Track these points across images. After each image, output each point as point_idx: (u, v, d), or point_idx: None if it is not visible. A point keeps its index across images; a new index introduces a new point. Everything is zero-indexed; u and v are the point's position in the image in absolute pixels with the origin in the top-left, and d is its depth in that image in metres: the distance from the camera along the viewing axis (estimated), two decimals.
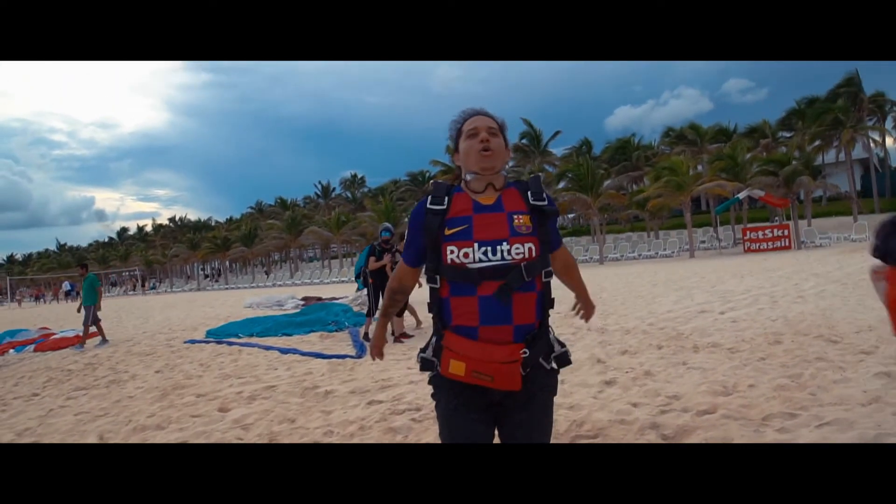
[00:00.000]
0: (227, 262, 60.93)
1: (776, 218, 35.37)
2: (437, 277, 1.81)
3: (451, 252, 1.79)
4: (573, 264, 2.15)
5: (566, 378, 5.17)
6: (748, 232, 29.74)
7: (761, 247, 28.25)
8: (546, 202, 1.87)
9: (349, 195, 68.25)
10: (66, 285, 51.31)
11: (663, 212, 37.19)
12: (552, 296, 1.87)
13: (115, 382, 7.33)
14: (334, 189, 71.67)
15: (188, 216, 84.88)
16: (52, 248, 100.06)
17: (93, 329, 11.76)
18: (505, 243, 1.77)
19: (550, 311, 1.87)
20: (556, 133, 49.48)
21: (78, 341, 12.04)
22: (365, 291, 10.83)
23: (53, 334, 13.44)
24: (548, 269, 1.83)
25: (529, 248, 1.79)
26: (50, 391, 7.38)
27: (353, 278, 14.10)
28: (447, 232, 1.82)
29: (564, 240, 45.82)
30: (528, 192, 1.88)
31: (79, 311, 11.92)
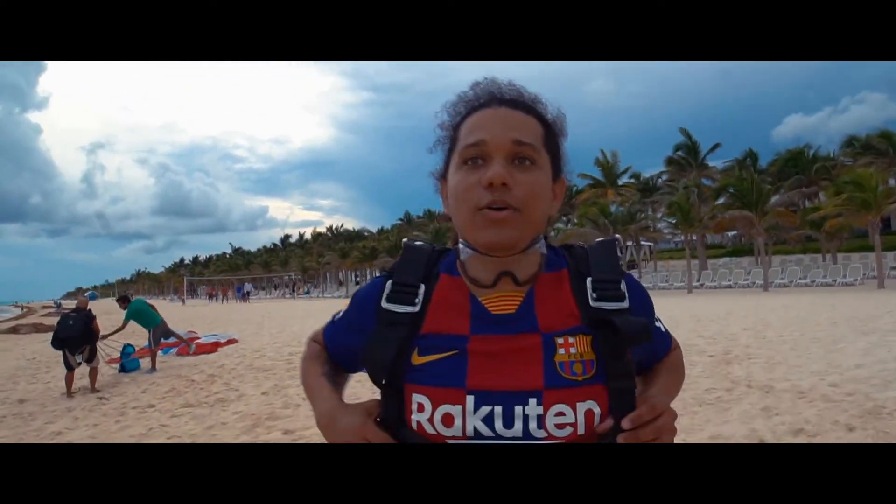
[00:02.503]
0: (377, 272, 63.24)
1: None
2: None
3: (419, 409, 0.87)
4: (681, 369, 1.10)
5: None
6: None
7: None
8: (627, 301, 0.91)
9: None
10: (248, 286, 55.93)
11: (843, 232, 32.54)
12: None
13: (221, 402, 7.17)
14: None
15: (345, 226, 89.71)
16: (228, 251, 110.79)
17: (146, 346, 10.96)
18: (534, 401, 0.83)
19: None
20: (716, 146, 45.01)
21: (215, 348, 12.47)
22: None
23: (198, 338, 14.11)
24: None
25: (589, 412, 0.84)
26: (165, 404, 7.39)
27: None
28: (416, 361, 0.90)
29: (722, 260, 41.64)
30: (589, 282, 0.92)
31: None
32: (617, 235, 1.02)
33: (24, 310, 78.37)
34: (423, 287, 0.94)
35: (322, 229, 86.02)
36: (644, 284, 1.07)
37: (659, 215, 41.76)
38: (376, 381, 0.91)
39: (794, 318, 13.10)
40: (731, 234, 45.18)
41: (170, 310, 38.06)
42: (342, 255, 63.66)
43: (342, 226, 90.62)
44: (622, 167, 44.75)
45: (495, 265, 0.92)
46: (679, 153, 44.27)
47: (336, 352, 1.05)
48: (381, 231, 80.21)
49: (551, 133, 0.95)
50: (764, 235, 31.23)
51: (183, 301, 56.66)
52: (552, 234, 41.30)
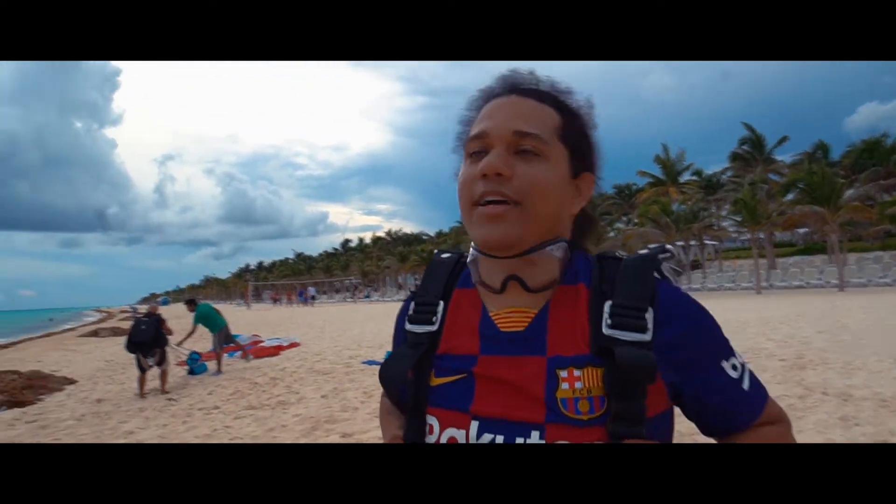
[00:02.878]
0: None
1: None
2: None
3: (430, 430, 0.84)
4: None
5: None
6: None
7: None
8: (649, 334, 0.77)
9: None
10: (311, 290, 57.23)
11: None
12: None
13: (282, 404, 7.33)
14: None
15: (403, 230, 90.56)
16: (291, 256, 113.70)
17: (211, 350, 11.29)
18: (536, 434, 0.76)
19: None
20: (783, 139, 42.85)
21: (278, 351, 12.79)
22: None
23: (262, 342, 14.52)
24: None
25: None
26: (229, 406, 7.62)
27: None
28: (433, 382, 0.86)
29: (793, 259, 39.65)
30: (608, 306, 0.79)
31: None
32: (668, 245, 0.89)
33: (104, 314, 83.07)
34: (441, 304, 0.90)
35: (381, 233, 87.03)
36: (709, 286, 0.92)
37: (723, 213, 40.34)
38: (391, 399, 0.91)
39: (874, 320, 12.34)
40: (801, 231, 43.13)
41: (235, 314, 39.35)
42: (401, 259, 64.31)
43: (400, 230, 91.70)
44: (684, 164, 43.36)
45: (502, 267, 0.83)
46: (744, 147, 42.57)
47: (397, 394, 0.97)
48: (439, 234, 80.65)
49: (572, 124, 0.86)
50: (838, 232, 29.65)
51: (248, 305, 58.42)
52: (612, 234, 40.50)
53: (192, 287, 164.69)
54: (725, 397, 0.81)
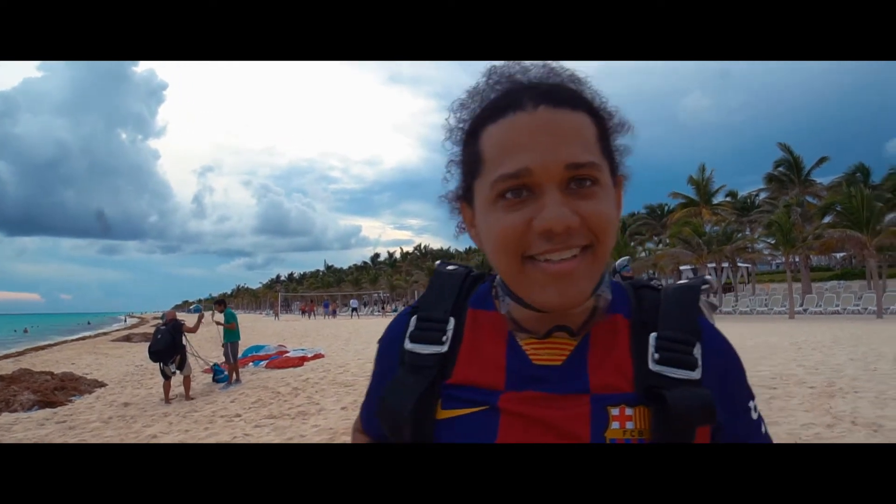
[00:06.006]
0: None
1: None
2: None
3: None
4: None
5: None
6: None
7: None
8: (699, 372, 0.70)
9: None
10: (353, 302, 57.54)
11: None
12: None
13: (302, 415, 7.39)
14: None
15: (431, 245, 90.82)
16: (321, 268, 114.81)
17: (224, 362, 11.06)
18: None
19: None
20: (822, 159, 41.94)
21: (302, 362, 12.90)
22: None
23: (287, 352, 14.67)
24: None
25: None
26: (250, 414, 7.72)
27: None
28: (440, 415, 0.72)
29: (829, 283, 38.36)
30: (653, 338, 0.71)
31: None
32: (708, 276, 0.80)
33: (138, 319, 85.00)
34: (452, 321, 0.76)
35: (410, 248, 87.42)
36: (741, 309, 0.83)
37: (757, 235, 39.54)
38: (395, 439, 0.74)
39: None
40: (839, 255, 42.06)
41: (263, 323, 39.76)
42: (429, 274, 64.33)
43: (428, 245, 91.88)
44: (717, 185, 42.71)
45: (551, 317, 0.71)
46: (780, 169, 41.78)
47: (381, 436, 0.79)
48: (468, 250, 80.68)
49: (607, 129, 0.71)
50: (877, 257, 28.83)
51: (276, 316, 59.06)
52: (643, 254, 39.96)
53: (224, 296, 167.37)
54: (750, 438, 0.75)
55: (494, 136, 0.67)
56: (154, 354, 9.31)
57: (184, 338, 9.62)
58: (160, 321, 10.48)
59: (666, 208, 48.15)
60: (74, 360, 18.62)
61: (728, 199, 44.33)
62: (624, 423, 0.67)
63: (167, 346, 9.30)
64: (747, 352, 10.99)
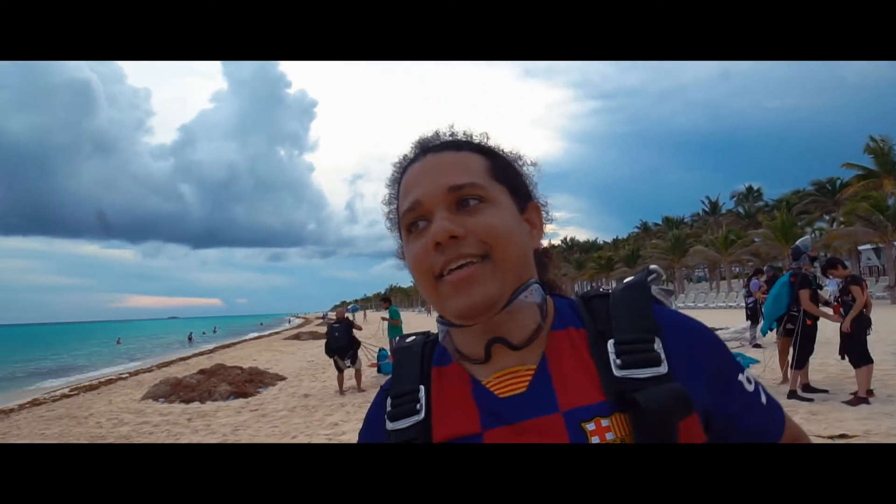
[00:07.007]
0: (612, 283, 61.87)
1: None
2: None
3: None
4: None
5: None
6: None
7: None
8: (665, 366, 0.71)
9: (742, 210, 61.75)
10: None
11: None
12: None
13: (355, 419, 7.67)
14: (723, 204, 65.94)
15: (577, 237, 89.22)
16: None
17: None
18: None
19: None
20: None
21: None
22: (759, 329, 9.09)
23: None
24: None
25: None
26: (303, 415, 8.23)
27: (749, 312, 11.92)
28: None
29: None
30: (611, 345, 0.73)
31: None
32: (653, 266, 0.81)
33: (303, 320, 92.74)
34: (422, 388, 0.78)
35: (557, 241, 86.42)
36: None
37: None
38: None
39: None
40: None
41: (417, 319, 41.41)
42: (578, 267, 63.37)
43: (575, 237, 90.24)
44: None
45: (481, 332, 0.75)
46: None
47: None
48: (615, 240, 78.12)
49: (498, 161, 0.81)
50: None
51: (429, 312, 61.18)
52: (813, 234, 36.15)
53: (378, 296, 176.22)
54: (750, 412, 0.75)
55: (401, 186, 0.81)
56: (334, 351, 10.22)
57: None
58: (329, 320, 11.49)
59: (838, 182, 43.31)
60: (255, 356, 20.68)
61: None
62: (603, 435, 0.68)
63: (346, 343, 10.24)
64: None
